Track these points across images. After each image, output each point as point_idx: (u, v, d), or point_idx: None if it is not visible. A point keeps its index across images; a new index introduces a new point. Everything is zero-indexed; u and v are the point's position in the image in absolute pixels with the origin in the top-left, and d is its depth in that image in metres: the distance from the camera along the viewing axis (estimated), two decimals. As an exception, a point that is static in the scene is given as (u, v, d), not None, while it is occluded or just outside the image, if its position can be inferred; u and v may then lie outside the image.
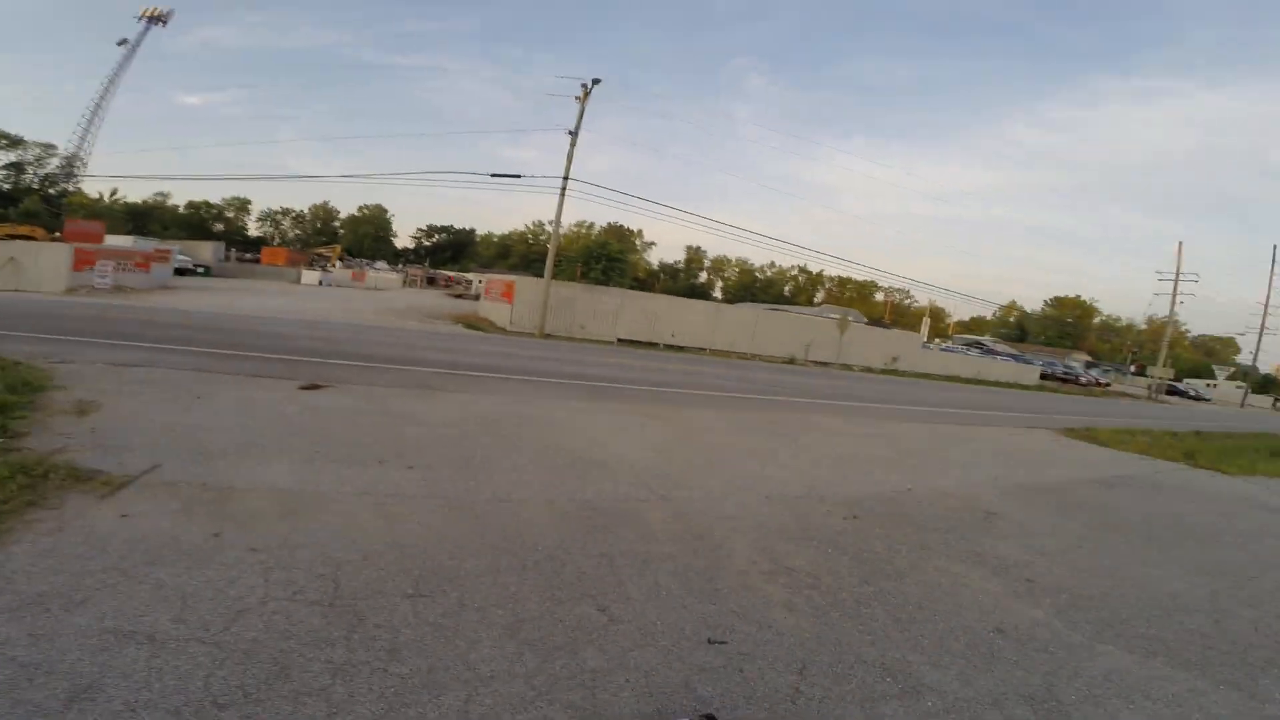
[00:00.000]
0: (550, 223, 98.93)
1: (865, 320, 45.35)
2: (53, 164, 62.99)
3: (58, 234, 26.66)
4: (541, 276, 24.88)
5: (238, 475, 4.25)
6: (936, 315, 75.34)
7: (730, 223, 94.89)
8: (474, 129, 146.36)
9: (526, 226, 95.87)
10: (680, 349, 25.61)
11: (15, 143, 61.72)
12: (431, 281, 59.99)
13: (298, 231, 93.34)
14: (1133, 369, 63.64)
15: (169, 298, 20.86)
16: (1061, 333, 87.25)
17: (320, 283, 43.46)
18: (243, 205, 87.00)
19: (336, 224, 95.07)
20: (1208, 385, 62.26)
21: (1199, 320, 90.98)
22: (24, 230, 30.57)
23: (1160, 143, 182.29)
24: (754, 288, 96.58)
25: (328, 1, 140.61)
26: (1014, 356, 46.58)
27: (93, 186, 68.53)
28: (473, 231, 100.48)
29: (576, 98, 22.87)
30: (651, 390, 11.73)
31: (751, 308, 37.52)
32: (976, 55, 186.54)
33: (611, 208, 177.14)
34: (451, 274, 64.70)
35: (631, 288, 39.40)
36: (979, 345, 50.64)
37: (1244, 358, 67.82)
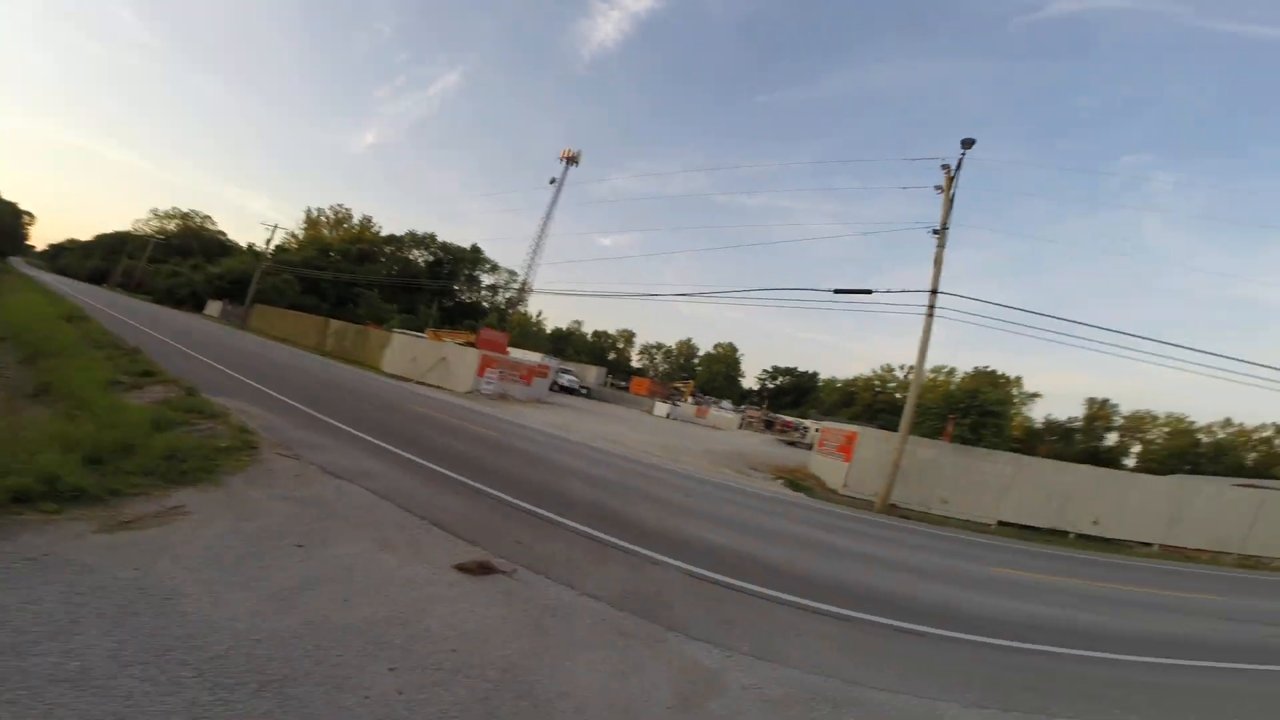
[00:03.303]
0: (903, 368, 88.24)
1: None
2: (514, 289, 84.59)
3: (472, 341, 30.90)
4: (889, 429, 19.47)
5: None
6: None
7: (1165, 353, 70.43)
8: (820, 261, 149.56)
9: (874, 371, 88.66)
10: (1109, 542, 17.27)
11: (494, 268, 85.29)
12: (769, 425, 58.11)
13: (665, 365, 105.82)
14: None
15: (527, 411, 22.68)
16: None
17: (668, 415, 45.65)
18: (629, 338, 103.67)
19: (695, 360, 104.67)
20: None
21: None
22: (462, 337, 37.43)
23: None
24: (1194, 454, 67.46)
25: (686, 150, 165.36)
26: None
27: (532, 307, 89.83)
28: (815, 375, 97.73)
29: (938, 187, 17.95)
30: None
31: (1241, 486, 23.68)
32: None
33: (982, 348, 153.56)
34: (790, 419, 61.94)
35: (1011, 449, 29.36)
36: None
37: None
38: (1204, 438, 71.78)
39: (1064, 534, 17.48)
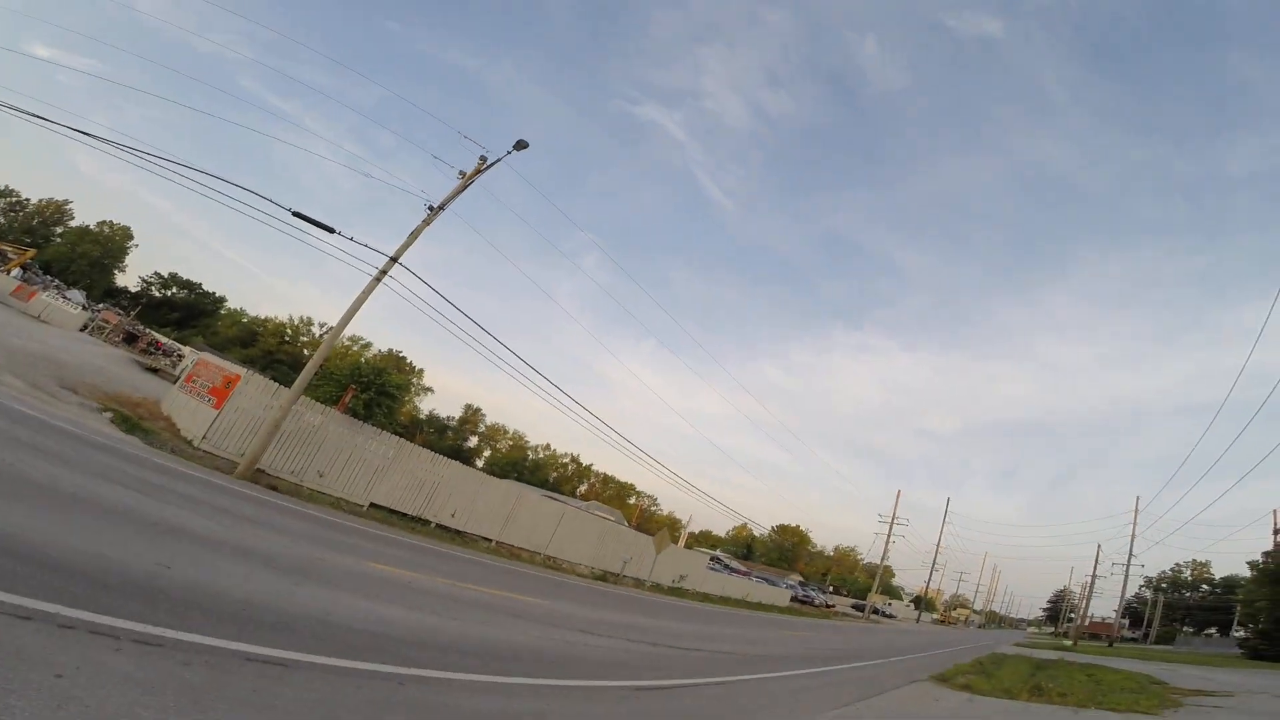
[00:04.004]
0: (323, 325, 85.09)
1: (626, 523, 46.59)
2: None
3: None
4: (283, 384, 17.37)
5: None
6: (673, 525, 75.71)
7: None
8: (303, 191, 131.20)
9: (290, 319, 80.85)
10: (460, 535, 19.39)
11: None
12: (132, 339, 43.79)
13: (2, 221, 68.46)
14: (831, 589, 75.51)
15: None
16: (781, 554, 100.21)
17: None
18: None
19: (58, 233, 72.13)
20: (887, 603, 76.20)
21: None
22: None
23: (861, 394, 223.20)
24: (523, 465, 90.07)
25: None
26: (766, 578, 52.35)
27: None
28: (221, 301, 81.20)
29: (462, 172, 17.72)
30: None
31: (550, 499, 31.93)
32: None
33: (402, 332, 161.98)
34: (164, 340, 48.75)
35: (396, 434, 30.92)
36: (716, 559, 50.70)
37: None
38: (531, 454, 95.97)
39: (427, 523, 18.51)
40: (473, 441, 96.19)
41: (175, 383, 20.56)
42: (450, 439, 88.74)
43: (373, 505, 17.43)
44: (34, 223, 71.93)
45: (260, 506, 11.30)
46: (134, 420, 13.90)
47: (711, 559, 44.52)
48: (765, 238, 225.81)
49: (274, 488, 14.47)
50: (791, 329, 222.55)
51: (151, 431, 13.80)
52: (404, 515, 18.00)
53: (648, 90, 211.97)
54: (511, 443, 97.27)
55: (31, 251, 52.41)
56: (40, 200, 73.73)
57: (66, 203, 75.26)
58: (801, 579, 73.43)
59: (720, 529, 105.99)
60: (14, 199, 71.90)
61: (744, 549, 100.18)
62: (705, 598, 30.62)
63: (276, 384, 17.18)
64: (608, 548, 26.17)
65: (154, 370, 32.24)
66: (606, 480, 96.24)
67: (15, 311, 30.26)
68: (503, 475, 66.90)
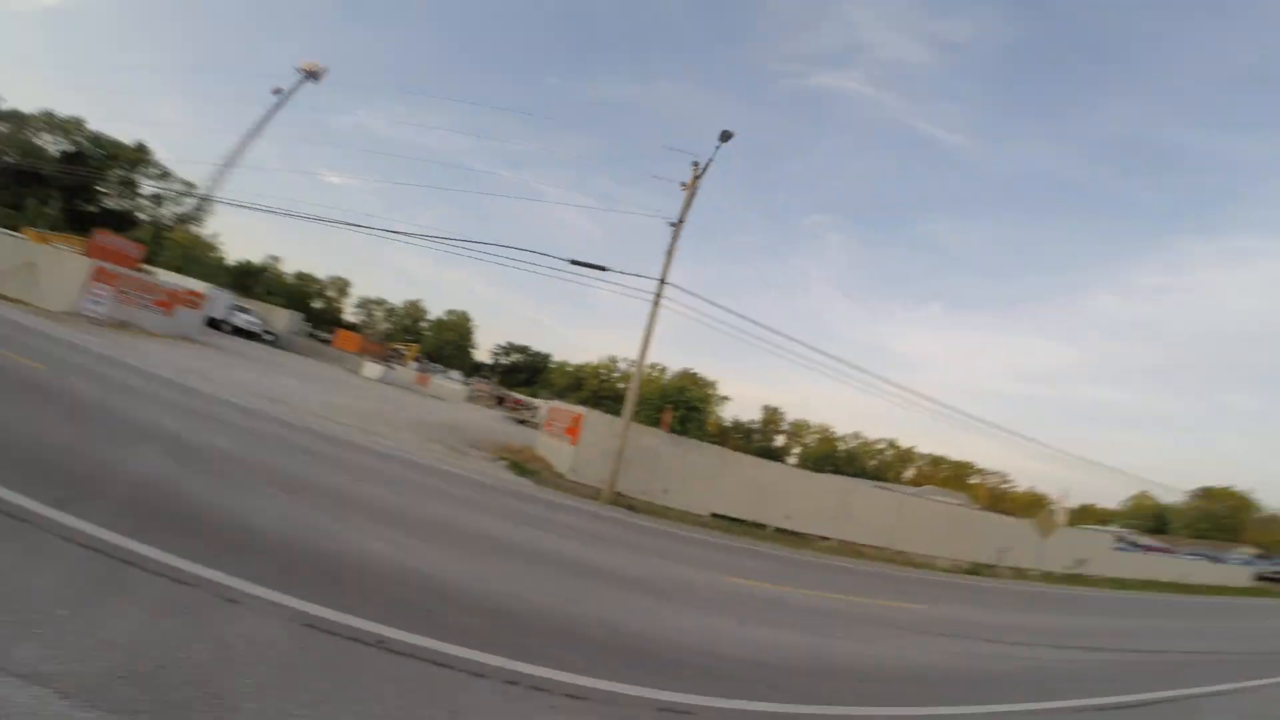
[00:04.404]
0: (625, 360, 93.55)
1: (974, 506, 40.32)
2: (189, 203, 65.87)
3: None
4: (615, 415, 18.96)
5: None
6: (1039, 502, 62.14)
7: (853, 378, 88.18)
8: (565, 249, 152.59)
9: (600, 360, 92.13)
10: (797, 536, 18.69)
11: (163, 175, 65.52)
12: (500, 401, 55.58)
13: (388, 325, 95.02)
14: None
15: (154, 348, 16.31)
16: (1213, 525, 76.81)
17: (381, 378, 39.97)
18: (343, 287, 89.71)
19: (424, 325, 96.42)
20: None
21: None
22: (60, 240, 27.11)
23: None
24: (835, 458, 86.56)
25: (460, 108, 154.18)
26: (1202, 554, 43.51)
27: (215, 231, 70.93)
28: (548, 357, 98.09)
29: (683, 184, 18.21)
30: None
31: (882, 489, 29.62)
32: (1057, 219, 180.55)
33: (685, 351, 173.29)
34: (521, 397, 60.44)
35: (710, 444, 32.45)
36: (1121, 538, 40.47)
37: None
38: (841, 445, 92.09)
39: (763, 527, 18.32)
40: (779, 441, 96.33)
41: (539, 429, 24.40)
42: (758, 441, 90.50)
43: (713, 515, 17.89)
44: (407, 322, 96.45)
45: (625, 529, 12.04)
46: (522, 465, 16.51)
47: (1116, 538, 35.88)
48: (1030, 163, 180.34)
49: (632, 508, 15.65)
50: (1119, 250, 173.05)
51: (535, 471, 16.18)
52: (742, 521, 18.15)
53: (808, 61, 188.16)
54: (819, 436, 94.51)
55: (417, 346, 69.89)
56: (404, 302, 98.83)
57: (419, 300, 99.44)
58: (1260, 551, 54.94)
59: (1106, 501, 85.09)
60: (386, 306, 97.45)
61: (1153, 522, 78.82)
62: (1119, 584, 24.87)
63: (610, 416, 18.87)
64: (962, 535, 22.58)
65: (522, 422, 39.63)
66: (937, 461, 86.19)
67: (420, 395, 40.07)
68: (817, 470, 65.07)
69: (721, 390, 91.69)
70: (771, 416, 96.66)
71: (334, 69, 79.79)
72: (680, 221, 17.97)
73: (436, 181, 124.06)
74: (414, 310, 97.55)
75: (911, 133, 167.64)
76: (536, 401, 54.88)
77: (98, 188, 59.25)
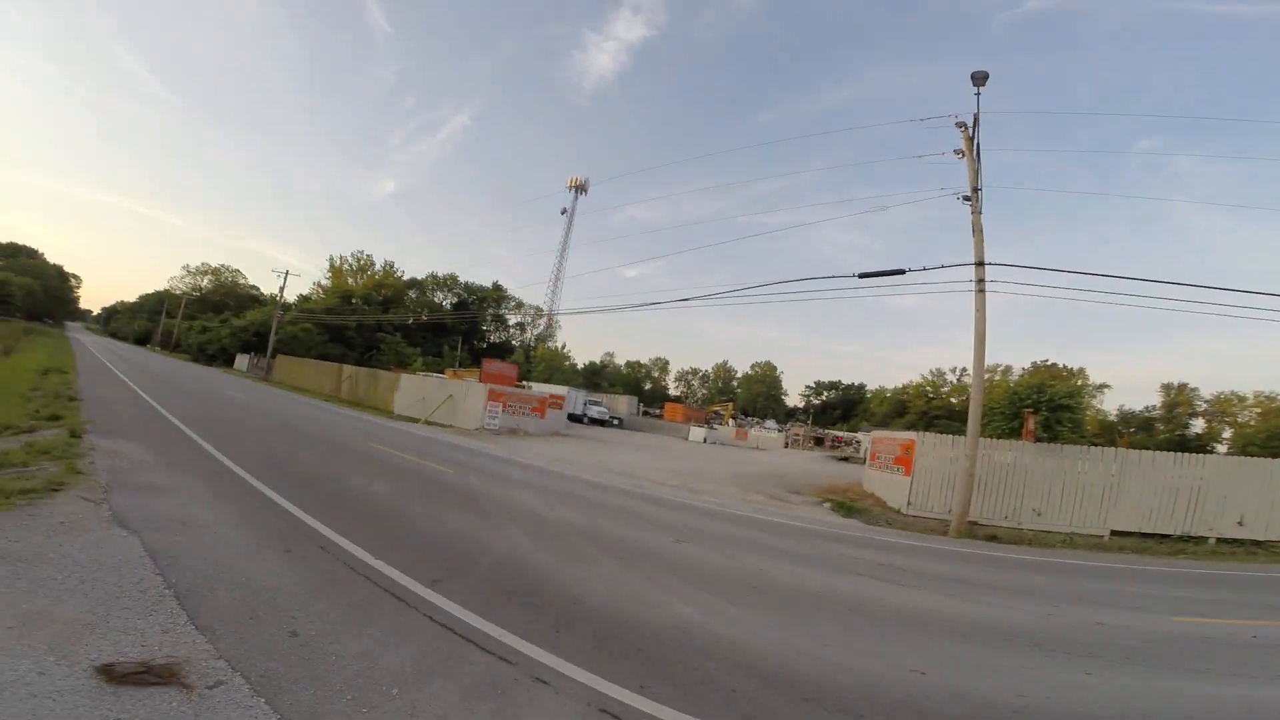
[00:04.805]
0: (954, 370, 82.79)
1: None
2: (541, 325, 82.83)
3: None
4: (953, 434, 16.11)
5: None
6: None
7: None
8: (847, 267, 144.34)
9: (923, 377, 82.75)
10: (1258, 545, 13.73)
11: (518, 305, 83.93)
12: (819, 441, 54.04)
13: (703, 391, 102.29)
14: None
15: (534, 445, 20.17)
16: None
17: (705, 439, 42.53)
18: (663, 366, 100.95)
19: (734, 383, 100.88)
20: None
21: None
22: (466, 374, 35.49)
23: None
24: None
25: (697, 172, 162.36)
26: None
27: (564, 342, 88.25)
28: (862, 388, 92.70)
29: (957, 151, 14.85)
30: None
31: None
32: None
33: (1032, 343, 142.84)
34: (840, 434, 57.66)
35: (1090, 445, 24.30)
36: None
37: None
38: (1302, 417, 63.21)
39: (1199, 539, 13.85)
40: (1197, 426, 71.02)
41: (863, 464, 22.43)
42: (1163, 431, 68.18)
43: (1114, 533, 13.88)
44: (719, 384, 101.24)
45: (987, 565, 9.69)
46: (849, 504, 15.09)
47: None
48: None
49: (993, 537, 12.92)
50: None
51: (863, 510, 14.59)
52: (1162, 536, 13.91)
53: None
54: (1259, 409, 66.65)
55: (731, 404, 72.91)
56: (714, 366, 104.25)
57: (725, 361, 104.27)
58: None
59: None
60: (700, 374, 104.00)
61: None
62: None
63: (949, 436, 16.13)
64: None
65: (844, 459, 37.41)
66: None
67: (740, 448, 40.97)
68: (1267, 455, 45.51)
69: (1094, 378, 72.76)
70: (1177, 397, 72.44)
71: (592, 177, 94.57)
72: (976, 190, 15.07)
73: (710, 239, 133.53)
74: (722, 372, 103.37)
75: None
76: (858, 435, 51.50)
77: (483, 327, 78.91)
